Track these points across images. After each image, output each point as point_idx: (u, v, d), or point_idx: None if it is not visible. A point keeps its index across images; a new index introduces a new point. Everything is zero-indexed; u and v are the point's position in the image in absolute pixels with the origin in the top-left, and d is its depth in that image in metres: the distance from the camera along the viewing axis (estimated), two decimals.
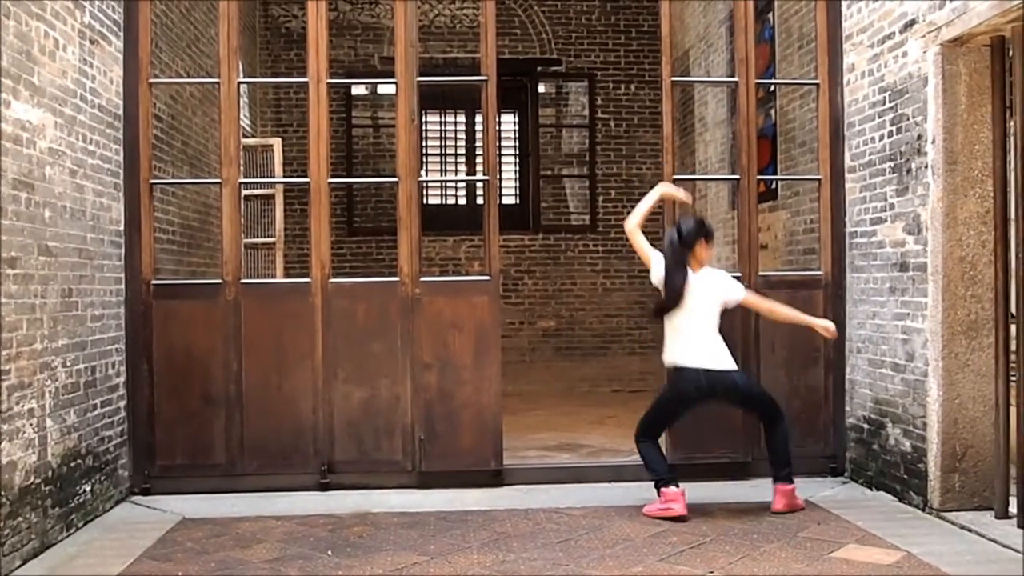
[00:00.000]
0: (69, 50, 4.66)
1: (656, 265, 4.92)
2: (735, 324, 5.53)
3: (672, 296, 4.80)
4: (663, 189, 5.17)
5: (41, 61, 4.34)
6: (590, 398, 9.37)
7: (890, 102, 5.11)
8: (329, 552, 4.28)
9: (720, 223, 8.79)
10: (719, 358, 4.80)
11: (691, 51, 9.78)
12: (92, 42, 4.95)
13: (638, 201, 4.79)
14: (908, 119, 4.93)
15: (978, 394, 4.67)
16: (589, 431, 7.20)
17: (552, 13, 10.76)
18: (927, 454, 4.75)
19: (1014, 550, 4.08)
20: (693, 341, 4.80)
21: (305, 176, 5.59)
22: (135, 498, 5.29)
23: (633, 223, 5.00)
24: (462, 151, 11.07)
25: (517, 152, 11.00)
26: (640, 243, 4.98)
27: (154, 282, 5.42)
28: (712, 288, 4.87)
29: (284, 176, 8.15)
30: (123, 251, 5.33)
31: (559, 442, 6.70)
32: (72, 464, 4.61)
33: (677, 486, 4.79)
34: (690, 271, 4.81)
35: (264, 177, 7.66)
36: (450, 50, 10.70)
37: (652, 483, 4.87)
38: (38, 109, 4.31)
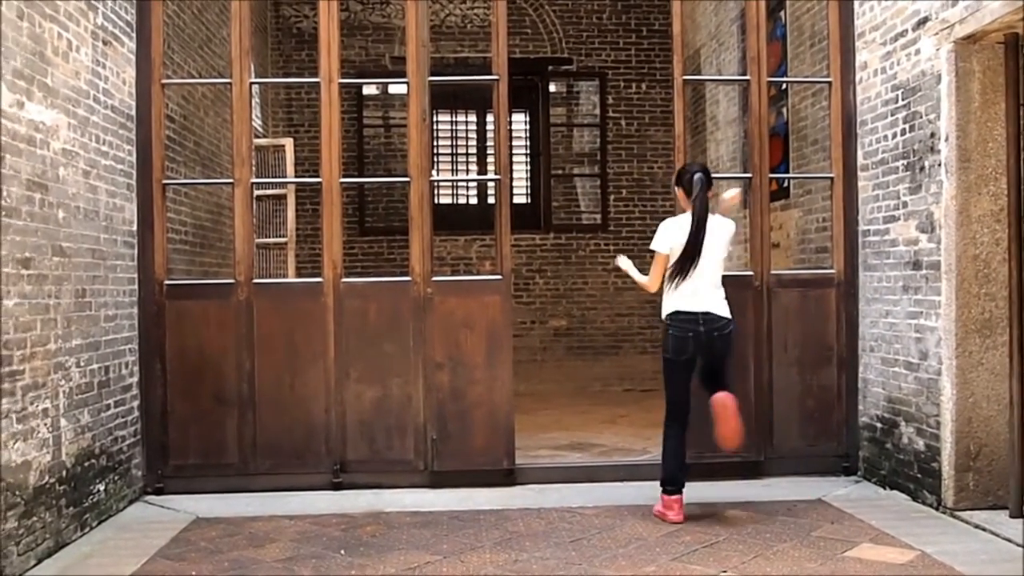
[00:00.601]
0: (82, 51, 4.68)
1: (667, 236, 4.77)
2: (747, 322, 5.52)
3: (695, 247, 4.64)
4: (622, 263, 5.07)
5: (54, 62, 4.37)
6: (602, 397, 9.37)
7: (903, 100, 5.09)
8: (342, 551, 4.29)
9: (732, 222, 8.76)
10: (721, 305, 4.72)
11: (702, 50, 9.76)
12: (105, 43, 4.97)
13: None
14: (921, 117, 4.91)
15: (992, 393, 4.65)
16: (601, 430, 7.20)
17: (563, 12, 10.75)
18: (941, 453, 4.74)
19: None
20: (700, 287, 4.67)
21: (317, 176, 5.60)
22: (148, 498, 5.31)
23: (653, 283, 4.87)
24: (473, 150, 11.07)
25: (528, 151, 10.98)
26: (659, 272, 4.81)
27: (167, 282, 5.44)
28: (719, 232, 4.77)
29: (296, 176, 8.17)
30: (136, 251, 5.35)
31: (571, 441, 6.70)
32: (86, 464, 4.64)
33: (679, 492, 4.73)
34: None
35: (276, 177, 7.68)
36: (461, 50, 10.70)
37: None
38: (52, 110, 4.33)
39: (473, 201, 11.18)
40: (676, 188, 4.92)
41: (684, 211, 4.82)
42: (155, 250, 5.41)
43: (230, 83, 5.54)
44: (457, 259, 10.53)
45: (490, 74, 5.59)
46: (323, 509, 5.03)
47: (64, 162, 4.46)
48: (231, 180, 5.57)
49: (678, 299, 4.70)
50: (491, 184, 10.33)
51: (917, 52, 4.94)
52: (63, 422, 4.40)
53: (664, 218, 5.02)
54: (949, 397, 4.67)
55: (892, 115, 5.21)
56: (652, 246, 4.84)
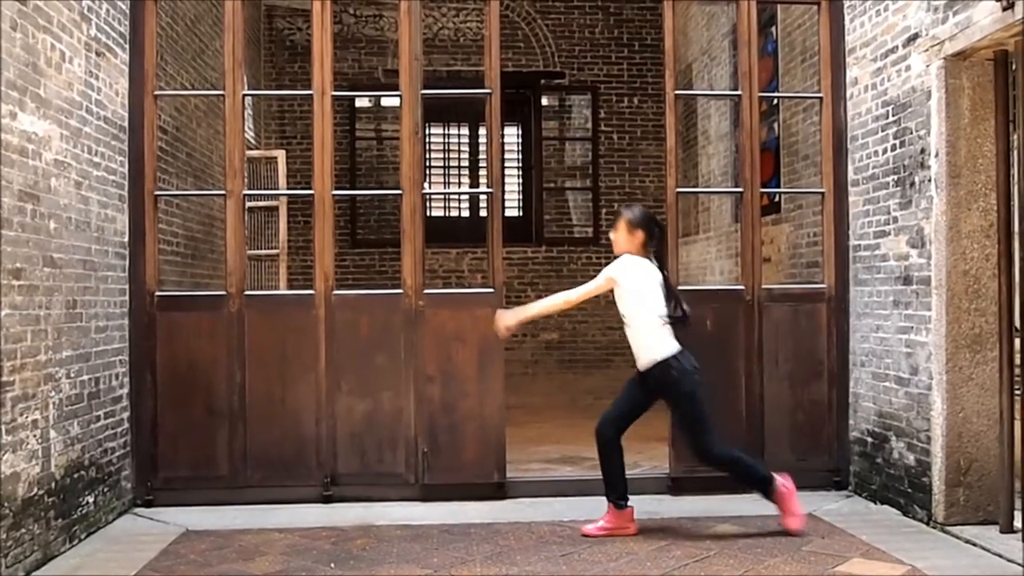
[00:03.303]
0: (75, 62, 4.68)
1: (638, 274, 4.78)
2: (738, 337, 5.54)
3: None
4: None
5: (47, 73, 4.36)
6: (593, 410, 9.25)
7: (893, 116, 5.12)
8: (332, 565, 4.28)
9: (723, 236, 8.80)
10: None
11: (694, 64, 9.80)
12: (98, 54, 4.97)
13: None
14: (911, 133, 4.94)
15: (982, 408, 4.66)
16: (592, 444, 7.11)
17: (555, 26, 10.80)
18: (931, 468, 4.74)
19: (1019, 564, 4.06)
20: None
21: (309, 188, 5.60)
22: (138, 510, 5.28)
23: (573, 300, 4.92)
24: (465, 163, 11.10)
25: (520, 164, 11.02)
26: (587, 290, 4.89)
27: (158, 293, 5.43)
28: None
29: (288, 188, 8.17)
30: (127, 262, 5.34)
31: (562, 455, 6.68)
32: (75, 475, 4.61)
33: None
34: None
35: (268, 189, 7.68)
36: (454, 63, 10.74)
37: (767, 479, 4.74)
38: (44, 121, 4.33)
39: (465, 214, 11.20)
40: (637, 229, 4.78)
41: (627, 251, 4.79)
42: (146, 261, 5.40)
43: (223, 95, 5.54)
44: (449, 272, 10.54)
45: (482, 87, 5.61)
46: (313, 522, 5.01)
47: (56, 173, 4.46)
48: (223, 192, 5.56)
49: (669, 341, 4.73)
50: (483, 197, 10.34)
51: (907, 68, 4.97)
52: (52, 434, 4.38)
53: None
54: (939, 412, 4.68)
55: (882, 131, 5.24)
56: (615, 274, 4.76)
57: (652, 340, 4.72)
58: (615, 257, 4.85)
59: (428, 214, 5.67)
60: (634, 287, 4.72)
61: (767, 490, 4.71)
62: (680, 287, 5.61)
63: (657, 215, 10.08)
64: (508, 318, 4.90)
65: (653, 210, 10.32)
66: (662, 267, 4.83)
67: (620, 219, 4.84)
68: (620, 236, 4.83)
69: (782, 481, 4.69)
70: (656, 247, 4.83)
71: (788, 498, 4.68)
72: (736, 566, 4.18)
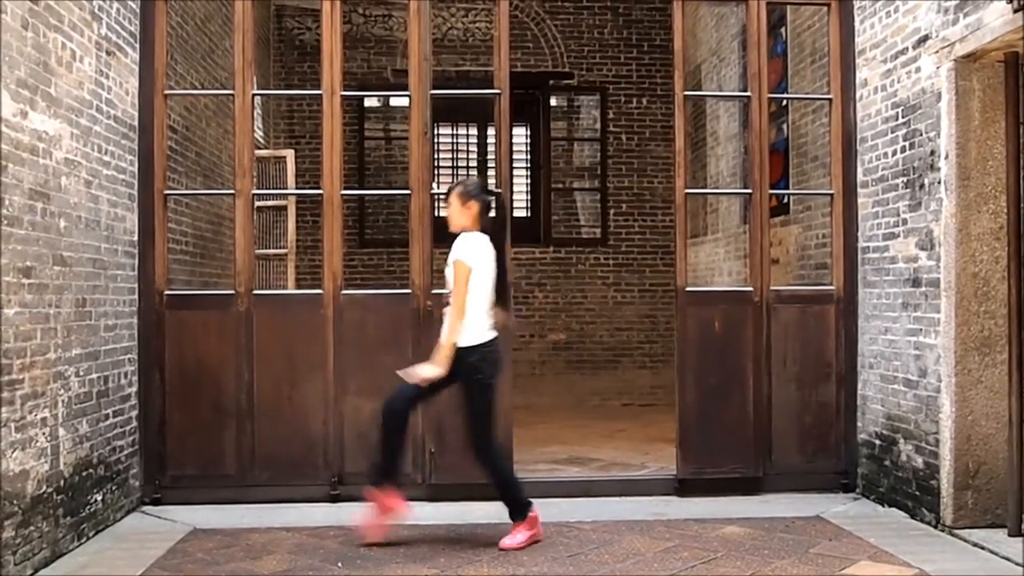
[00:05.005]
0: (86, 61, 4.70)
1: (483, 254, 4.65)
2: (746, 338, 5.53)
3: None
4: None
5: (58, 72, 4.38)
6: (600, 412, 9.36)
7: (903, 117, 5.11)
8: (339, 564, 4.28)
9: (732, 237, 8.78)
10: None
11: (703, 65, 9.79)
12: (109, 53, 4.99)
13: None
14: (921, 135, 4.93)
15: (991, 411, 4.65)
16: (599, 445, 7.18)
17: (564, 27, 10.78)
18: (939, 471, 4.73)
19: None
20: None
21: (318, 187, 5.60)
22: (146, 508, 5.30)
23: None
24: (474, 164, 11.09)
25: (529, 165, 11.01)
26: (460, 295, 4.55)
27: (167, 292, 5.44)
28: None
29: (297, 187, 8.18)
30: (137, 261, 5.36)
31: (569, 456, 6.69)
32: (84, 473, 4.63)
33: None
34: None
35: (277, 188, 7.69)
36: (463, 63, 10.73)
37: (522, 504, 4.65)
38: (55, 120, 4.34)
39: None
40: (470, 201, 4.67)
41: (463, 228, 4.68)
42: (156, 260, 5.42)
43: (232, 94, 5.55)
44: None
45: (492, 88, 5.61)
46: (320, 521, 5.02)
47: (66, 172, 4.47)
48: (232, 191, 5.58)
49: (487, 324, 4.64)
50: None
51: (917, 70, 4.96)
52: (61, 432, 4.39)
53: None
54: (948, 415, 4.67)
55: (892, 132, 5.23)
56: (465, 258, 4.58)
57: (475, 322, 4.58)
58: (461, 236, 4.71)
59: (436, 214, 5.66)
60: (481, 269, 4.61)
61: (519, 512, 4.61)
62: (688, 288, 5.62)
63: (666, 216, 10.05)
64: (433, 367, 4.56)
65: (661, 211, 10.41)
66: (500, 243, 4.74)
67: (451, 194, 4.72)
68: (453, 212, 4.70)
69: (535, 513, 4.64)
70: (494, 219, 4.74)
71: (533, 523, 4.61)
72: (743, 568, 4.18)
